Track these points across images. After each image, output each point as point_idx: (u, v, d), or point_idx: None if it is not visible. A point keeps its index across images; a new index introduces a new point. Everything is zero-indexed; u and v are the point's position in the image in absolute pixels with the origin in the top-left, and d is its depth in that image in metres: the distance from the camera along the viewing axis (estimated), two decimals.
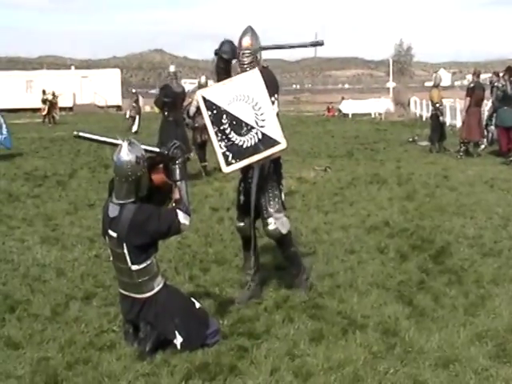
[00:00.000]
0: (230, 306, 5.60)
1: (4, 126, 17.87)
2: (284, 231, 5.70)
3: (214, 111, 5.48)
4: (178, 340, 4.66)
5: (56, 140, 23.92)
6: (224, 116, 5.46)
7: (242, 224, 5.89)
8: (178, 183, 4.80)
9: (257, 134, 5.41)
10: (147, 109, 45.36)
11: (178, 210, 4.69)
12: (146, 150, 4.79)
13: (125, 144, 4.64)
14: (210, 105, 5.50)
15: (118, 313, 5.21)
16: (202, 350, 4.66)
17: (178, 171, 4.81)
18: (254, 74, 5.48)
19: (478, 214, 8.91)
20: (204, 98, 5.52)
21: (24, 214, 9.78)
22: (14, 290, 6.14)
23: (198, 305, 4.87)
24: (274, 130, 5.43)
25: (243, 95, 5.45)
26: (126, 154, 4.59)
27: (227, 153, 5.44)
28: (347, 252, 7.23)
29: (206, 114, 5.51)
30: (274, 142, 5.43)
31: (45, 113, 36.84)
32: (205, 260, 7.09)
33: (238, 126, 5.43)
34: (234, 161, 5.45)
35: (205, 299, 5.62)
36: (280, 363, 4.47)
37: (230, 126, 5.45)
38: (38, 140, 24.09)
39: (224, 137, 5.45)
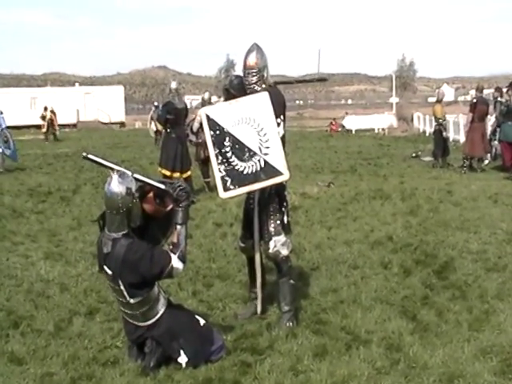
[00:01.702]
0: (233, 321, 5.59)
1: (11, 141, 18.71)
2: (284, 252, 5.47)
3: (217, 132, 5.31)
4: (183, 359, 4.64)
5: (60, 156, 24.02)
6: (227, 138, 5.29)
7: (243, 245, 5.82)
8: (178, 227, 4.65)
9: (259, 161, 5.23)
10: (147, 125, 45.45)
11: (172, 255, 4.58)
12: (151, 185, 4.70)
13: (115, 176, 4.55)
14: (213, 124, 5.33)
15: (121, 328, 5.19)
16: (206, 365, 4.65)
17: (180, 214, 4.66)
18: (263, 97, 5.29)
19: (481, 229, 8.89)
20: (208, 117, 5.37)
21: (28, 229, 9.79)
22: (17, 305, 6.14)
23: (202, 322, 4.84)
24: (278, 160, 5.23)
25: (249, 118, 5.27)
26: (116, 186, 4.51)
27: (226, 178, 5.26)
28: (351, 267, 7.22)
29: (208, 133, 5.35)
30: (277, 172, 5.23)
31: (44, 130, 36.94)
32: (208, 275, 7.08)
33: (241, 150, 5.26)
34: (232, 187, 5.26)
35: (208, 314, 5.62)
36: (283, 379, 4.45)
37: (231, 149, 5.28)
38: (41, 156, 24.19)
39: (224, 160, 5.27)
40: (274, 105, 5.32)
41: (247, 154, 5.26)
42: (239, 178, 5.26)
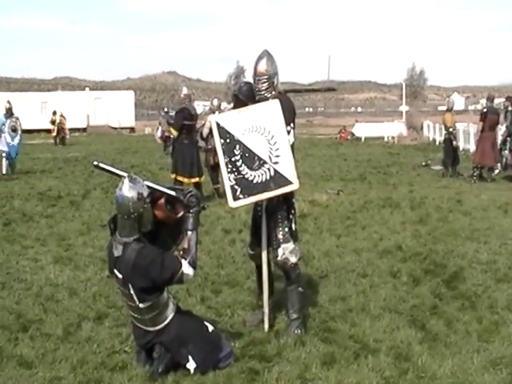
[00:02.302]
0: (241, 328, 5.59)
1: (19, 132, 18.45)
2: (293, 260, 5.45)
3: (227, 140, 5.30)
4: (192, 365, 4.64)
5: (70, 160, 24.12)
6: (237, 146, 5.28)
7: (252, 252, 5.81)
8: (189, 233, 4.68)
9: (269, 170, 5.22)
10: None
11: (183, 260, 4.60)
12: (161, 192, 4.72)
13: (126, 180, 4.58)
14: (223, 132, 5.32)
15: (129, 333, 5.20)
16: (214, 372, 4.65)
17: (190, 220, 4.69)
18: (274, 105, 5.28)
19: (491, 239, 8.86)
20: (218, 125, 5.35)
21: (37, 233, 9.83)
22: (26, 309, 6.16)
23: (210, 328, 4.84)
24: (288, 169, 5.22)
25: (259, 126, 5.26)
26: (127, 191, 4.54)
27: (236, 187, 5.24)
28: (359, 276, 7.21)
29: (218, 142, 5.33)
30: (286, 182, 5.22)
31: (55, 134, 37.10)
32: (216, 282, 7.08)
33: (251, 159, 5.25)
34: (242, 196, 5.24)
35: (216, 321, 5.61)
36: None
37: (241, 158, 5.26)
38: (51, 160, 24.29)
39: (234, 169, 5.26)
40: (284, 112, 5.32)
41: (257, 163, 5.25)
42: (249, 187, 5.25)
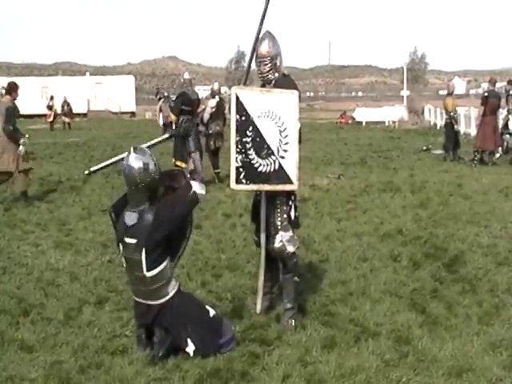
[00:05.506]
0: (242, 312, 5.59)
1: None
2: (290, 249, 5.39)
3: (243, 118, 5.18)
4: (191, 348, 4.65)
5: (70, 145, 24.08)
6: (250, 128, 5.18)
7: (257, 239, 5.74)
8: (193, 154, 4.81)
9: (274, 162, 5.17)
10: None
11: (192, 181, 4.74)
12: (159, 142, 4.82)
13: (132, 151, 4.69)
14: (241, 108, 5.18)
15: (130, 318, 5.22)
16: (214, 355, 4.66)
17: (192, 143, 4.84)
18: (292, 97, 5.23)
19: (492, 223, 8.86)
20: (237, 98, 5.19)
21: (38, 218, 9.83)
22: (27, 293, 6.18)
23: (212, 312, 4.85)
24: (291, 167, 5.19)
25: (275, 114, 5.17)
26: (133, 161, 4.64)
27: (241, 169, 5.18)
28: (360, 259, 7.21)
29: (233, 117, 5.18)
30: (287, 180, 5.20)
31: (51, 119, 36.91)
32: (217, 266, 7.09)
33: (260, 145, 5.18)
34: (244, 180, 5.20)
35: (217, 305, 5.62)
36: (292, 370, 4.46)
37: (252, 141, 5.17)
38: (52, 145, 24.24)
39: (243, 150, 5.18)
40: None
41: (265, 151, 5.19)
42: (252, 174, 5.21)
